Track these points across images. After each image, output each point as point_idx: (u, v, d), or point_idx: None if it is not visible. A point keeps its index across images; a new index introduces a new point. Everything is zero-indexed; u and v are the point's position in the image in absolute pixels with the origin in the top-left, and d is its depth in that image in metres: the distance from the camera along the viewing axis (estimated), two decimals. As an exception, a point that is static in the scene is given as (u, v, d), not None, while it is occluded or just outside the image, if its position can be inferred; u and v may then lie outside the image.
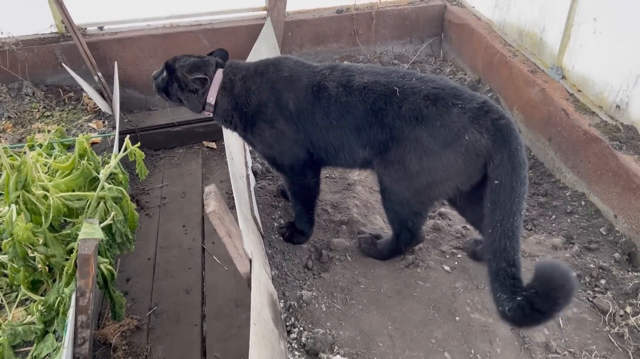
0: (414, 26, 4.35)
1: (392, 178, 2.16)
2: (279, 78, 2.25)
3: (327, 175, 3.09)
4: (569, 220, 2.67)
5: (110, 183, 2.27)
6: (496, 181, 1.93)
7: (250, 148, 3.15)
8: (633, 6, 2.57)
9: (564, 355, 2.00)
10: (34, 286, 2.08)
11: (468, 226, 2.63)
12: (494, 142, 1.96)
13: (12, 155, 2.35)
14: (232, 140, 2.54)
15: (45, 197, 2.09)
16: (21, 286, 2.05)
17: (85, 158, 2.33)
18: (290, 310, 2.14)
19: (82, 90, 3.47)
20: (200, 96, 2.31)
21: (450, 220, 2.75)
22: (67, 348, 1.69)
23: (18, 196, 1.99)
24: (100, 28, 3.75)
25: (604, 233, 2.53)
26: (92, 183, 2.30)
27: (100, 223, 1.99)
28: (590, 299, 2.23)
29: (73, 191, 2.24)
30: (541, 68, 3.27)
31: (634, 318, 2.12)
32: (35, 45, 3.54)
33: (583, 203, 2.72)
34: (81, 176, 2.25)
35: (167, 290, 2.57)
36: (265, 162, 2.62)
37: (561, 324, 2.12)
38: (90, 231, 1.77)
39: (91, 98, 3.43)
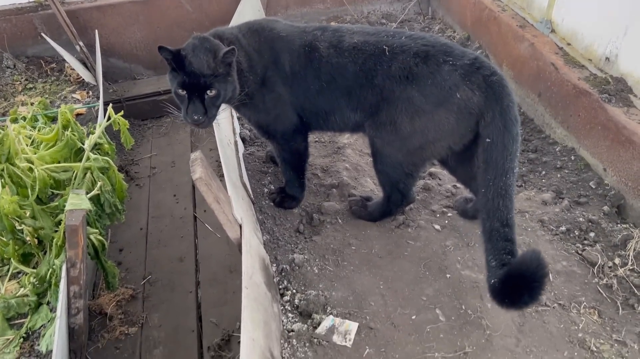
0: (401, -16, 4.26)
1: (384, 140, 2.13)
2: (276, 37, 2.16)
3: (317, 139, 3.06)
4: (558, 175, 2.67)
5: (96, 154, 2.24)
6: (488, 140, 1.91)
7: (238, 114, 3.11)
8: (623, -46, 2.51)
9: (553, 307, 2.03)
10: (25, 259, 2.08)
11: (458, 185, 2.63)
12: (485, 99, 1.92)
13: (-6, 129, 2.31)
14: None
15: (31, 170, 2.06)
16: (12, 259, 2.05)
17: (69, 129, 2.29)
18: (283, 274, 2.16)
19: (64, 60, 3.40)
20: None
21: (440, 179, 2.75)
22: (60, 318, 1.70)
23: (2, 170, 1.97)
24: (79, -5, 3.65)
25: (594, 187, 2.53)
26: (78, 154, 2.27)
27: (87, 193, 1.97)
28: (580, 252, 2.25)
29: (59, 162, 2.21)
30: (530, 22, 3.22)
31: (623, 269, 2.14)
32: (12, 15, 3.44)
33: (573, 157, 2.72)
34: (66, 147, 2.21)
35: (161, 259, 2.58)
36: (255, 128, 2.49)
37: (550, 277, 2.15)
38: (77, 201, 1.75)
39: (74, 69, 3.37)
